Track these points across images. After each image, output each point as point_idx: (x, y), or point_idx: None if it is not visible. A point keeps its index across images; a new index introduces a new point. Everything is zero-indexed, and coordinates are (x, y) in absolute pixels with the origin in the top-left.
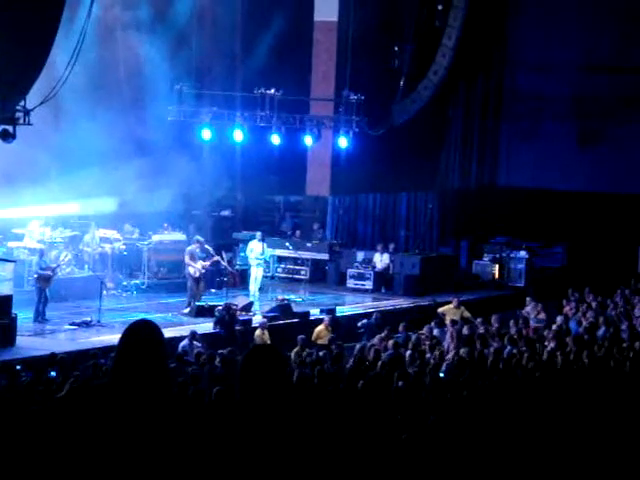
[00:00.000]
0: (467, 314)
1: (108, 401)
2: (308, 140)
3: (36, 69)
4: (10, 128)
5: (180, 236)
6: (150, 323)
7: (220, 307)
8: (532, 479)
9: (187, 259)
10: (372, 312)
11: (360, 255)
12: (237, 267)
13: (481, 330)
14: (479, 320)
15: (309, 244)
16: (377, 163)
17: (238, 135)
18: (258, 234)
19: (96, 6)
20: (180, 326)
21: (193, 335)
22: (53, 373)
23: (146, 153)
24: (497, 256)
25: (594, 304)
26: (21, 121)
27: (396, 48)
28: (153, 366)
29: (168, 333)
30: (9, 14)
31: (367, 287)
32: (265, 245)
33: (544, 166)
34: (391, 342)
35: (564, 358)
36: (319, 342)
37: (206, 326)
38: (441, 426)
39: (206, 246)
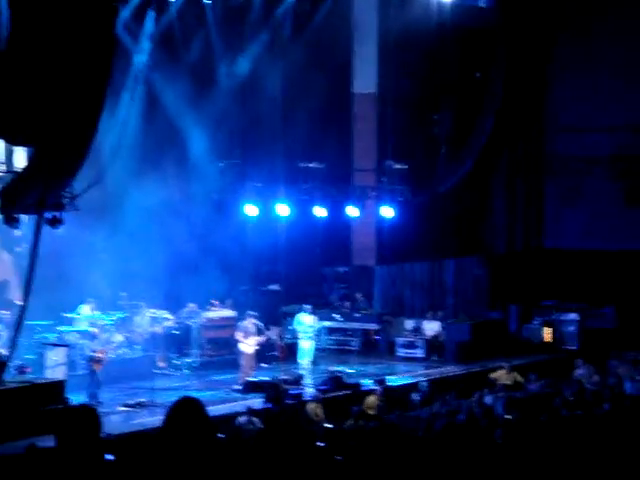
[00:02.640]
0: (520, 378)
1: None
2: (352, 211)
3: (81, 155)
4: (58, 214)
5: (230, 312)
6: (192, 399)
7: (269, 382)
8: None
9: (239, 336)
10: (421, 381)
11: (409, 323)
12: (286, 340)
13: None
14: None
15: (358, 314)
16: (422, 231)
17: (282, 209)
18: (308, 307)
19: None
20: (233, 402)
21: (250, 411)
22: (110, 456)
23: (193, 231)
24: (547, 319)
25: None
26: (68, 207)
27: (436, 117)
28: (198, 441)
29: (220, 410)
30: (54, 101)
31: (418, 355)
32: (315, 317)
33: (591, 227)
34: (444, 410)
35: (620, 419)
36: (370, 412)
37: (257, 401)
38: None
39: (257, 322)
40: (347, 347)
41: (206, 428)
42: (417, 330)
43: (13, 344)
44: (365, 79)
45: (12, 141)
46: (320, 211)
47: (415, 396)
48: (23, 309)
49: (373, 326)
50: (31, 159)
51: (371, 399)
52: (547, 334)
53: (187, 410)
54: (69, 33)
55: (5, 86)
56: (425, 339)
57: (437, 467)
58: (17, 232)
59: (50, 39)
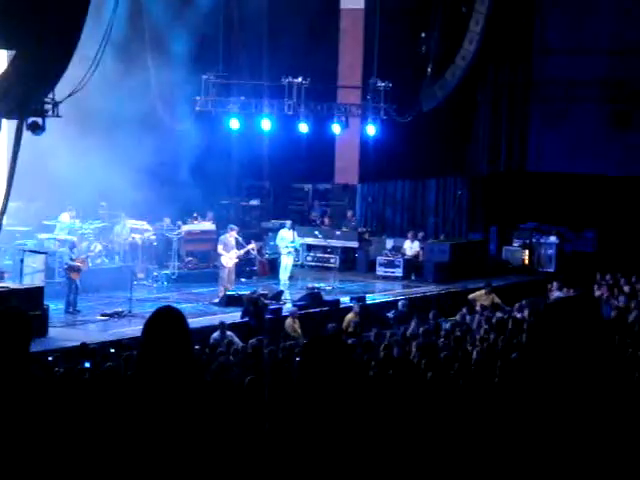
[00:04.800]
0: (498, 300)
1: (136, 391)
2: (336, 128)
3: (64, 60)
4: (40, 120)
5: (210, 225)
6: (173, 310)
7: (248, 296)
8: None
9: (220, 248)
10: (400, 300)
11: (389, 243)
12: (267, 256)
13: (515, 316)
14: (515, 307)
15: (338, 232)
16: (405, 150)
17: (266, 124)
18: (288, 222)
19: None
20: (212, 315)
21: (223, 325)
22: (87, 364)
23: (172, 143)
24: (527, 242)
25: (626, 288)
26: (50, 113)
27: (423, 34)
28: (178, 354)
29: (199, 322)
30: (36, 4)
31: (397, 274)
32: (295, 233)
33: (574, 151)
34: (422, 329)
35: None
36: (349, 330)
37: (236, 315)
38: (473, 412)
39: (237, 236)
40: (326, 264)
41: (186, 340)
42: (397, 249)
43: None
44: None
45: None
46: (304, 127)
47: (391, 314)
48: (1, 214)
49: (353, 244)
50: (12, 63)
51: (349, 316)
52: (526, 256)
53: (168, 320)
54: None
55: None
56: (405, 258)
57: (410, 387)
58: None
59: None
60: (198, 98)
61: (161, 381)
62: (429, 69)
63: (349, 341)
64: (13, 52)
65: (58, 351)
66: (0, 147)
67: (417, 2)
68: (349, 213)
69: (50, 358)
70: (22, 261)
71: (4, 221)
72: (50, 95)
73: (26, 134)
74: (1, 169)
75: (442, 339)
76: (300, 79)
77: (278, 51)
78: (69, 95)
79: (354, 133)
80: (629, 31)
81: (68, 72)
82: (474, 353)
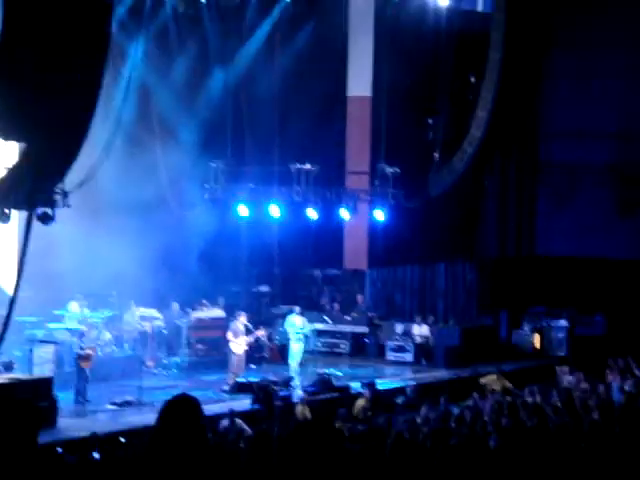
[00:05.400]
0: (509, 384)
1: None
2: (344, 214)
3: (74, 150)
4: (49, 211)
5: (219, 312)
6: (189, 398)
7: (258, 383)
8: None
9: (229, 335)
10: (408, 386)
11: (399, 327)
12: (276, 342)
13: (527, 400)
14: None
15: (348, 317)
16: (414, 235)
17: (274, 210)
18: (297, 308)
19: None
20: (221, 403)
21: (232, 413)
22: (96, 455)
23: (182, 229)
24: (537, 325)
25: (637, 372)
26: (60, 203)
27: (430, 121)
28: (192, 441)
29: (209, 410)
30: (47, 96)
31: (407, 360)
32: (305, 319)
33: (582, 234)
34: (433, 414)
35: (609, 429)
36: (358, 415)
37: (245, 402)
38: None
39: (246, 322)
40: (336, 350)
41: (200, 428)
42: (407, 334)
43: (0, 339)
44: (360, 82)
45: (4, 137)
46: (312, 213)
47: (400, 400)
48: (12, 304)
49: (363, 329)
50: (23, 155)
51: (360, 402)
52: (537, 340)
53: (183, 408)
54: (63, 30)
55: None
56: (415, 343)
57: (426, 473)
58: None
59: (44, 36)
60: (207, 186)
61: (175, 467)
62: (436, 155)
63: (359, 427)
64: (23, 144)
65: (68, 441)
66: (10, 237)
67: (423, 89)
68: (359, 298)
69: (59, 449)
70: (32, 351)
71: (14, 311)
72: (60, 184)
73: (35, 224)
74: (11, 259)
75: (453, 424)
76: (308, 165)
77: (287, 138)
78: (79, 185)
79: (362, 218)
80: (636, 115)
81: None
82: (490, 440)
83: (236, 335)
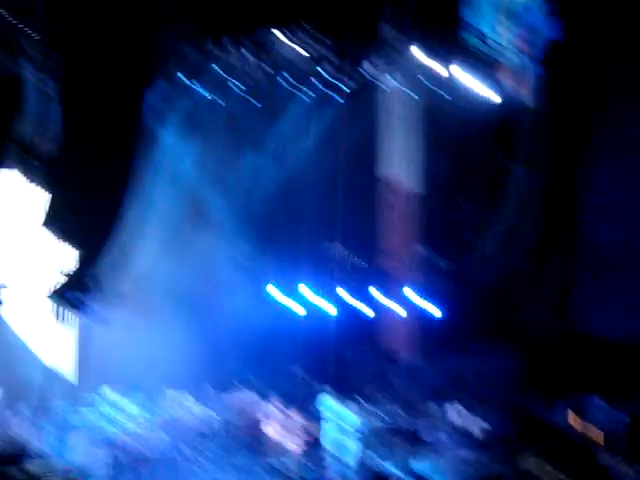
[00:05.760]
0: (550, 468)
1: None
2: (380, 299)
3: (106, 240)
4: (82, 297)
5: (253, 397)
6: None
7: None
8: None
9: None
10: None
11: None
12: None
13: None
14: None
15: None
16: (454, 321)
17: (307, 292)
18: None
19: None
20: None
21: None
22: None
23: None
24: (581, 409)
25: None
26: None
27: (468, 206)
28: None
29: None
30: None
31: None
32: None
33: (627, 317)
34: None
35: None
36: None
37: None
38: None
39: (283, 408)
40: None
41: None
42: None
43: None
44: (398, 169)
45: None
46: (346, 297)
47: None
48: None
49: None
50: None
51: None
52: (579, 424)
53: None
54: (98, 121)
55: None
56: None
57: None
58: None
59: (81, 128)
60: (248, 272)
61: None
62: (475, 241)
63: None
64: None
65: None
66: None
67: (463, 175)
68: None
69: None
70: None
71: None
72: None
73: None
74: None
75: None
76: (342, 249)
77: (321, 219)
78: (111, 272)
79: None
80: None
81: None
82: None
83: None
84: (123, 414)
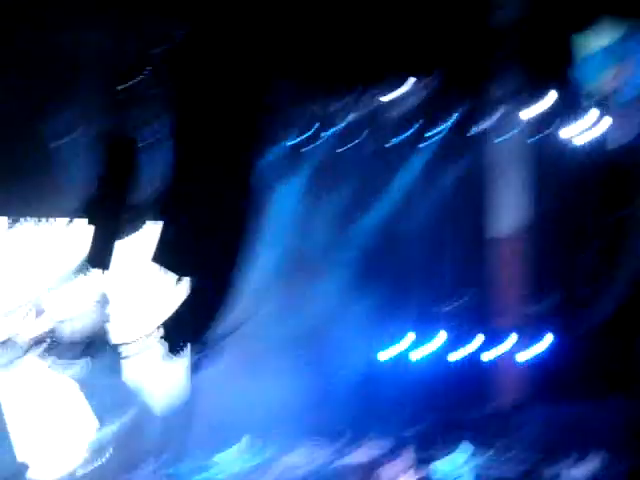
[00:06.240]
0: None
1: None
2: (493, 352)
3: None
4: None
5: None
6: None
7: None
8: None
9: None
10: None
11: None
12: None
13: None
14: None
15: None
16: (573, 368)
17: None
18: None
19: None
20: None
21: None
22: None
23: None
24: None
25: None
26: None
27: (582, 251)
28: None
29: None
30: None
31: None
32: None
33: None
34: None
35: None
36: None
37: None
38: None
39: None
40: None
41: None
42: None
43: None
44: (507, 220)
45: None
46: (458, 352)
47: None
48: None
49: None
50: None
51: None
52: None
53: None
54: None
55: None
56: None
57: None
58: None
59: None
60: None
61: None
62: (592, 286)
63: None
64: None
65: None
66: None
67: (573, 220)
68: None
69: None
70: None
71: None
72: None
73: None
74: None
75: None
76: (455, 304)
77: (431, 279)
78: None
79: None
80: None
81: None
82: None
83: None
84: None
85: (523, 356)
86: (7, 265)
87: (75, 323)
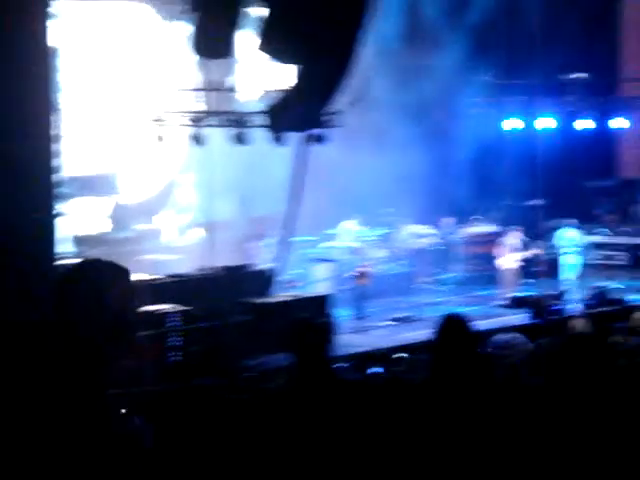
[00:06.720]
0: None
1: (426, 396)
2: (620, 122)
3: (342, 75)
4: (323, 132)
5: (492, 228)
6: (459, 317)
7: (534, 297)
8: None
9: (501, 250)
10: None
11: None
12: (549, 256)
13: None
14: None
15: (627, 229)
16: None
17: (544, 123)
18: (573, 221)
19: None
20: (497, 318)
21: (509, 327)
22: (375, 369)
23: (449, 145)
24: None
25: None
26: (332, 124)
27: None
28: (468, 357)
29: (484, 325)
30: (320, 17)
31: None
32: (580, 232)
33: None
34: None
35: None
36: (638, 329)
37: (521, 317)
38: None
39: (523, 236)
40: (615, 262)
41: (473, 344)
42: None
43: (281, 259)
44: None
45: (283, 61)
46: (584, 123)
47: None
48: (291, 225)
49: None
50: (299, 77)
51: (637, 315)
52: None
53: (454, 327)
54: None
55: (275, 11)
56: None
57: None
58: None
59: None
60: (476, 99)
61: (453, 384)
62: None
63: (635, 340)
64: (297, 66)
65: (348, 357)
66: (286, 161)
67: None
68: (635, 208)
69: (342, 364)
70: (309, 270)
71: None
72: (332, 106)
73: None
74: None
75: None
76: (579, 74)
77: (555, 47)
78: (350, 105)
79: (638, 126)
80: None
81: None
82: None
83: (508, 250)
84: (366, 247)
85: None
86: None
87: None
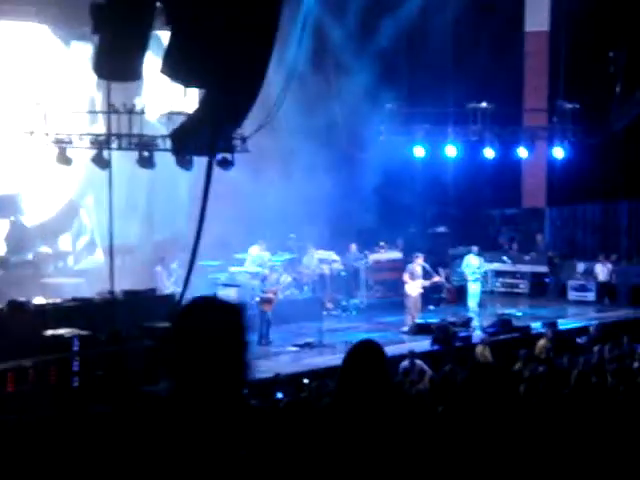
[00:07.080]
0: None
1: (333, 421)
2: (523, 152)
3: (251, 97)
4: (229, 156)
5: (396, 254)
6: (373, 343)
7: (437, 324)
8: None
9: (406, 277)
10: (591, 325)
11: (580, 266)
12: (454, 283)
13: None
14: None
15: (527, 257)
16: (595, 171)
17: (451, 150)
18: (475, 248)
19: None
20: (400, 344)
21: (412, 354)
22: (279, 395)
23: (357, 172)
24: None
25: None
26: (238, 149)
27: (611, 54)
28: (378, 385)
29: (388, 351)
30: (226, 41)
31: (589, 299)
32: (482, 259)
33: None
34: (616, 354)
35: None
36: (540, 356)
37: (425, 344)
38: None
39: (424, 264)
40: (516, 290)
41: (385, 371)
42: (589, 273)
43: (186, 283)
44: (537, 17)
45: (185, 83)
46: (489, 152)
47: (582, 339)
48: (195, 249)
49: (543, 269)
50: (203, 101)
51: (541, 342)
52: None
53: (368, 353)
54: None
55: (179, 32)
56: (597, 282)
57: (610, 413)
58: None
59: None
60: (382, 127)
61: (361, 410)
62: (618, 88)
63: (540, 368)
64: (203, 90)
65: (251, 383)
66: (190, 184)
67: (603, 22)
68: (538, 237)
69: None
70: (215, 295)
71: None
72: (238, 131)
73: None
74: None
75: (637, 364)
76: (485, 104)
77: (461, 76)
78: (256, 130)
79: (541, 156)
80: None
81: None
82: None
83: (413, 277)
84: (270, 272)
85: (550, 157)
86: None
87: None
